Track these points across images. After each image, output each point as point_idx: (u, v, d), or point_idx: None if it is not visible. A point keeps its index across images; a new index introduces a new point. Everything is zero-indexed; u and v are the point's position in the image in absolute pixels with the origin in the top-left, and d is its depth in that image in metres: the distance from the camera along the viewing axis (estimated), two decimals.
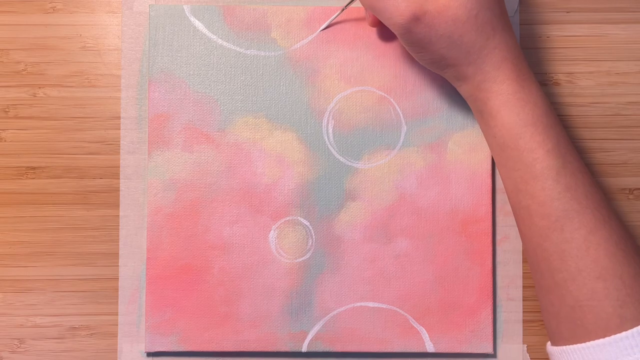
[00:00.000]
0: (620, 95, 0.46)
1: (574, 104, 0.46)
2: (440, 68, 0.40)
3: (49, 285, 0.45)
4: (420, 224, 0.44)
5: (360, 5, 0.43)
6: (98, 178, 0.45)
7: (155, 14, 0.45)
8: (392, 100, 0.45)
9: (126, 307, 0.45)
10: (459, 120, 0.45)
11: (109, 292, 0.45)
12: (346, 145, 0.45)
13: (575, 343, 0.36)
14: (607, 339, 0.35)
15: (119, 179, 0.45)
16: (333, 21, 0.44)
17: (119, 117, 0.45)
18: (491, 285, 0.44)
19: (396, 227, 0.44)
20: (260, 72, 0.45)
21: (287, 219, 0.44)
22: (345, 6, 0.43)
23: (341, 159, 0.45)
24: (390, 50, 0.45)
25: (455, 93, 0.44)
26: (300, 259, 0.44)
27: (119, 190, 0.45)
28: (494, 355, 0.45)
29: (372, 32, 0.45)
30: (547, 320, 0.39)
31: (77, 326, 0.45)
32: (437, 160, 0.44)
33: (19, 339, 0.45)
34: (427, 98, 0.45)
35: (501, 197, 0.45)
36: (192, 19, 0.45)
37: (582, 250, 0.36)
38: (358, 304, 0.44)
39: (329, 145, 0.45)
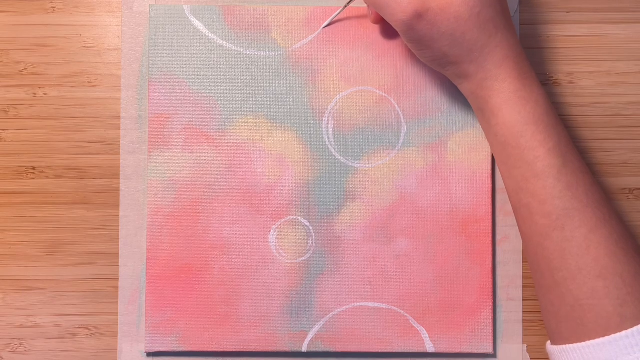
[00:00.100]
0: (620, 95, 0.46)
1: (574, 104, 0.46)
2: (441, 66, 0.40)
3: (49, 285, 0.45)
4: (420, 224, 0.44)
5: (362, 3, 0.43)
6: (98, 178, 0.45)
7: (155, 14, 0.45)
8: (392, 100, 0.45)
9: (126, 307, 0.45)
10: (459, 120, 0.45)
11: (109, 292, 0.45)
12: (346, 145, 0.45)
13: (575, 342, 0.36)
14: (607, 338, 0.35)
15: (119, 179, 0.45)
16: (335, 19, 0.44)
17: (119, 117, 0.45)
18: (491, 285, 0.44)
19: (396, 227, 0.44)
20: (260, 72, 0.45)
21: (287, 219, 0.44)
22: (348, 3, 0.43)
23: (341, 159, 0.45)
24: (391, 51, 0.45)
25: (455, 93, 0.44)
26: (300, 259, 0.44)
27: (119, 190, 0.45)
28: (494, 355, 0.44)
29: (372, 32, 0.45)
30: (547, 320, 0.39)
31: (77, 326, 0.45)
32: (437, 160, 0.44)
33: (19, 339, 0.45)
34: (427, 98, 0.45)
35: (501, 197, 0.45)
36: (192, 19, 0.45)
37: (583, 248, 0.36)
38: (358, 304, 0.44)
39: (329, 145, 0.45)
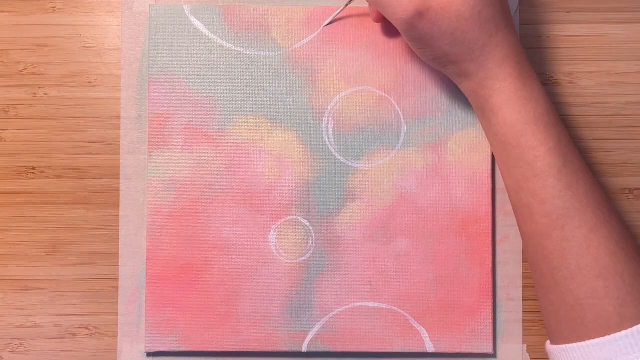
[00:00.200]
0: (620, 95, 0.46)
1: (574, 103, 0.46)
2: (442, 65, 0.40)
3: (49, 285, 0.45)
4: (420, 224, 0.44)
5: (363, 2, 0.43)
6: (98, 178, 0.45)
7: (155, 14, 0.45)
8: (392, 100, 0.45)
9: (126, 307, 0.45)
10: (459, 120, 0.45)
11: (109, 292, 0.45)
12: (346, 145, 0.45)
13: (575, 342, 0.36)
14: (607, 337, 0.35)
15: (119, 179, 0.45)
16: (336, 17, 0.44)
17: (119, 117, 0.45)
18: (491, 285, 0.44)
19: (396, 227, 0.44)
20: (260, 72, 0.45)
21: (287, 219, 0.44)
22: (349, 2, 0.43)
23: (341, 159, 0.45)
24: (391, 50, 0.45)
25: (455, 93, 0.44)
26: (300, 259, 0.44)
27: (119, 190, 0.45)
28: (494, 355, 0.44)
29: (372, 32, 0.45)
30: (546, 319, 0.39)
31: (77, 326, 0.45)
32: (437, 160, 0.44)
33: (19, 339, 0.45)
34: (427, 98, 0.45)
35: (501, 197, 0.45)
36: (192, 19, 0.45)
37: (583, 248, 0.36)
38: (358, 304, 0.44)
39: (329, 145, 0.45)
